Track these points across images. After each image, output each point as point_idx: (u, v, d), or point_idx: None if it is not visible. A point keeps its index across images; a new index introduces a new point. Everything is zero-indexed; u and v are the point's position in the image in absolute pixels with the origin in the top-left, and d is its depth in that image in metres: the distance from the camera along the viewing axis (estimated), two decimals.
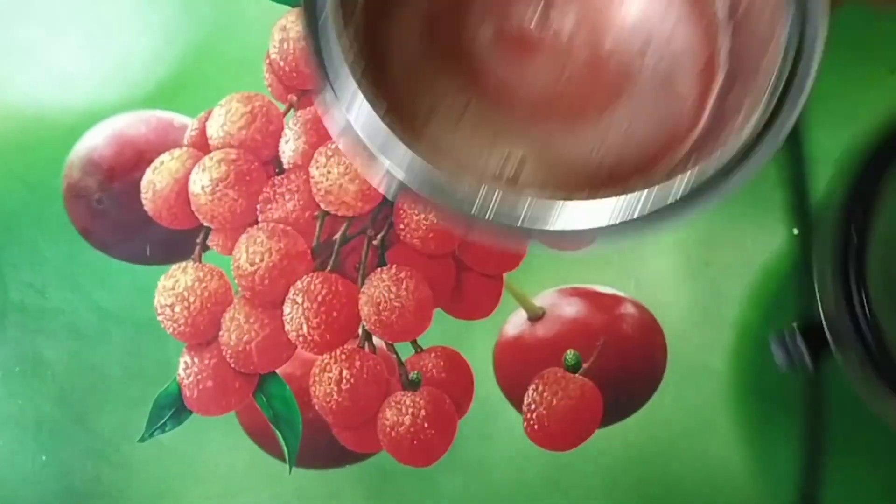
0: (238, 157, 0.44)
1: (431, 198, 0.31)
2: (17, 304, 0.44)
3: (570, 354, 0.44)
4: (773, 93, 0.34)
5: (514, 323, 0.43)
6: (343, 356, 0.43)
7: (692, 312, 0.45)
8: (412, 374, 0.43)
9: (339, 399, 0.43)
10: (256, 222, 0.43)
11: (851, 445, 0.46)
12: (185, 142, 0.44)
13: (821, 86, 0.47)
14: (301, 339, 0.43)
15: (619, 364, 0.44)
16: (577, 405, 0.43)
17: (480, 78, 0.37)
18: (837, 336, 0.36)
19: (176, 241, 0.44)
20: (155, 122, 0.44)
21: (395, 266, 0.43)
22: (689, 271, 0.45)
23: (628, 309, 0.44)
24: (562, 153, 0.37)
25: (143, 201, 0.44)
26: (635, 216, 0.32)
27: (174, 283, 0.44)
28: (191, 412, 0.44)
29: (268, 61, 0.44)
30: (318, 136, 0.44)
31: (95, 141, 0.44)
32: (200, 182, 0.43)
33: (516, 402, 0.43)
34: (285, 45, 0.44)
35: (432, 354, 0.43)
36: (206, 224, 0.44)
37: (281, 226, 0.43)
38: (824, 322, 0.37)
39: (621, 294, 0.44)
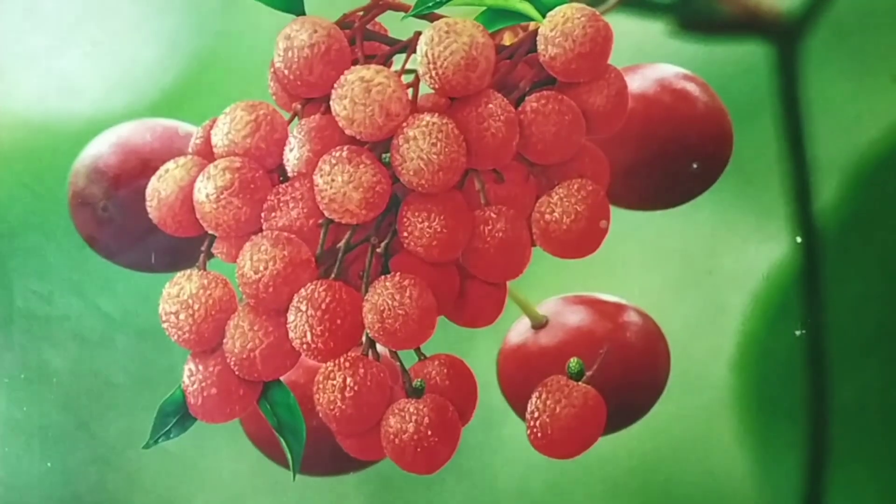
0: (242, 165, 0.44)
1: None
2: (23, 312, 0.44)
3: (573, 362, 0.44)
4: None
5: (518, 331, 0.43)
6: (347, 364, 0.43)
7: (695, 321, 0.45)
8: (416, 382, 0.43)
9: (343, 406, 0.43)
10: (261, 230, 0.43)
11: (855, 454, 0.46)
12: (190, 150, 0.44)
13: (824, 94, 0.47)
14: (305, 346, 0.43)
15: (622, 372, 0.44)
16: (580, 413, 0.43)
17: None
18: None
19: (181, 248, 0.44)
20: (160, 131, 0.44)
21: (398, 274, 0.43)
22: (692, 279, 0.45)
23: (632, 317, 0.44)
24: None
25: (148, 209, 0.44)
26: None
27: (179, 291, 0.44)
28: (195, 419, 0.44)
29: (272, 70, 0.44)
30: (322, 144, 0.44)
31: (101, 149, 0.44)
32: (205, 190, 0.43)
33: (520, 409, 0.43)
34: (290, 54, 0.44)
35: (436, 362, 0.44)
36: (210, 232, 0.44)
37: (285, 234, 0.43)
38: None
39: (625, 302, 0.44)
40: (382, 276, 0.43)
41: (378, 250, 0.43)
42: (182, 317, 0.44)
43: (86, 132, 0.44)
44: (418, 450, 0.43)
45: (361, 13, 0.44)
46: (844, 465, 0.46)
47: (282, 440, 0.44)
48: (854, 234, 0.46)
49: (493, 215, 0.42)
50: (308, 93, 0.44)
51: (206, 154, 0.44)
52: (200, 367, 0.44)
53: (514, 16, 0.42)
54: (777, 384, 0.43)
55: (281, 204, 0.44)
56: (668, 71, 0.46)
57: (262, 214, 0.44)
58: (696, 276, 0.45)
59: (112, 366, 0.44)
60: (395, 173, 0.42)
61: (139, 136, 0.44)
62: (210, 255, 0.44)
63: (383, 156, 0.42)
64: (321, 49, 0.44)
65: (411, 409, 0.43)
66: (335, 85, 0.43)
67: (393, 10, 0.45)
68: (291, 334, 0.43)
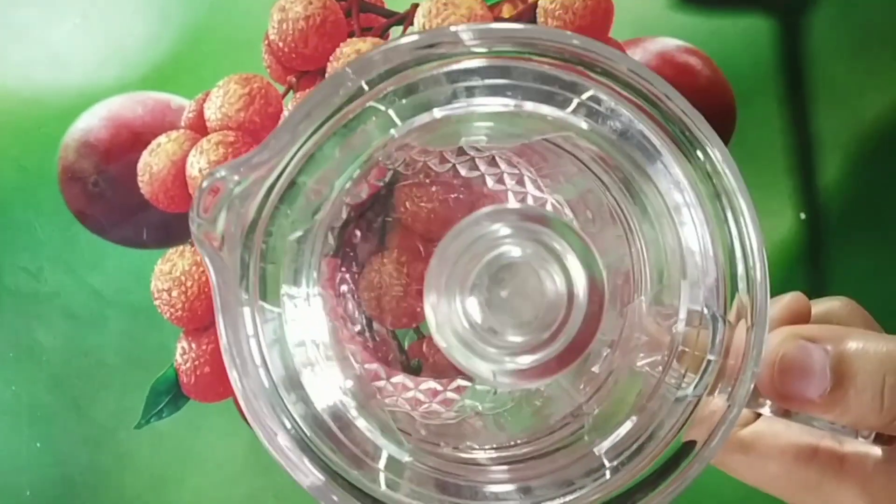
0: (236, 139, 0.43)
1: None
2: (11, 288, 0.43)
3: None
4: None
5: None
6: None
7: None
8: (413, 361, 0.43)
9: None
10: None
11: None
12: (183, 124, 0.44)
13: (828, 69, 0.46)
14: None
15: None
16: None
17: None
18: None
19: (173, 224, 0.43)
20: (151, 104, 0.44)
21: (396, 250, 0.42)
22: None
23: None
24: None
25: (140, 184, 0.43)
26: None
27: (171, 268, 0.43)
28: (188, 398, 0.43)
29: (266, 42, 0.44)
30: None
31: (91, 123, 0.44)
32: (198, 165, 0.43)
33: None
34: (284, 26, 0.44)
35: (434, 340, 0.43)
36: None
37: None
38: None
39: None
40: (380, 253, 0.43)
41: (374, 226, 0.43)
42: (174, 294, 0.43)
43: (75, 106, 0.44)
44: None
45: None
46: None
47: None
48: (858, 210, 0.46)
49: (493, 190, 0.41)
50: (303, 66, 0.44)
51: (199, 128, 0.44)
52: (193, 346, 0.43)
53: None
54: None
55: None
56: (670, 45, 0.45)
57: None
58: None
59: (103, 344, 0.43)
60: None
61: (130, 110, 0.44)
62: None
63: None
64: (316, 21, 0.43)
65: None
66: (331, 58, 0.42)
67: None
68: None
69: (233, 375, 0.27)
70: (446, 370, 0.42)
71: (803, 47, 0.46)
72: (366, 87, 0.28)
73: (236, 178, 0.27)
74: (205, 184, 0.27)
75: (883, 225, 0.46)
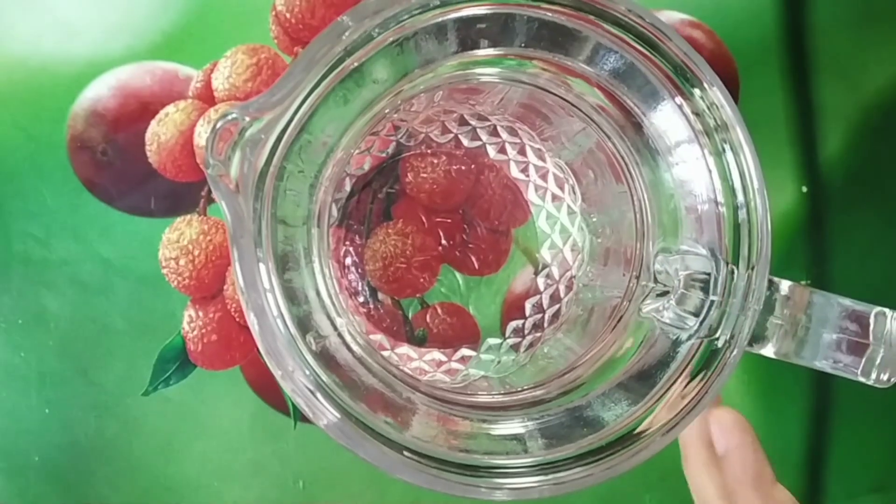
0: None
1: None
2: (20, 256, 0.43)
3: None
4: None
5: (523, 279, 0.43)
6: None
7: None
8: (418, 331, 0.43)
9: None
10: None
11: (858, 404, 0.46)
12: (190, 94, 0.44)
13: (830, 43, 0.46)
14: None
15: None
16: None
17: None
18: None
19: (180, 193, 0.43)
20: (160, 74, 0.44)
21: (401, 221, 0.43)
22: None
23: None
24: None
25: (148, 153, 0.43)
26: None
27: (179, 236, 0.43)
28: (195, 366, 0.43)
29: (274, 13, 0.44)
30: None
31: (100, 92, 0.44)
32: (205, 134, 0.43)
33: None
34: None
35: (438, 310, 0.43)
36: None
37: None
38: None
39: None
40: (385, 224, 0.43)
41: (380, 196, 0.43)
42: (182, 262, 0.43)
43: (84, 74, 0.44)
44: None
45: None
46: (848, 416, 0.46)
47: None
48: (860, 184, 0.46)
49: (494, 160, 0.42)
50: (310, 37, 0.44)
51: (207, 98, 0.44)
52: (200, 314, 0.43)
53: None
54: None
55: None
56: (673, 18, 0.45)
57: None
58: None
59: (111, 312, 0.43)
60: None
61: (139, 79, 0.44)
62: (210, 201, 0.44)
63: None
64: None
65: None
66: None
67: None
68: None
69: (250, 318, 0.28)
70: (451, 340, 0.43)
71: (806, 20, 0.46)
72: (373, 34, 0.29)
73: (247, 119, 0.28)
74: (218, 124, 0.27)
75: (885, 199, 0.46)
